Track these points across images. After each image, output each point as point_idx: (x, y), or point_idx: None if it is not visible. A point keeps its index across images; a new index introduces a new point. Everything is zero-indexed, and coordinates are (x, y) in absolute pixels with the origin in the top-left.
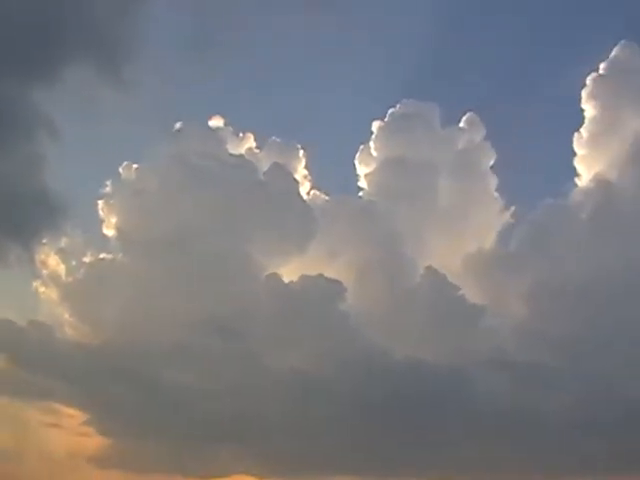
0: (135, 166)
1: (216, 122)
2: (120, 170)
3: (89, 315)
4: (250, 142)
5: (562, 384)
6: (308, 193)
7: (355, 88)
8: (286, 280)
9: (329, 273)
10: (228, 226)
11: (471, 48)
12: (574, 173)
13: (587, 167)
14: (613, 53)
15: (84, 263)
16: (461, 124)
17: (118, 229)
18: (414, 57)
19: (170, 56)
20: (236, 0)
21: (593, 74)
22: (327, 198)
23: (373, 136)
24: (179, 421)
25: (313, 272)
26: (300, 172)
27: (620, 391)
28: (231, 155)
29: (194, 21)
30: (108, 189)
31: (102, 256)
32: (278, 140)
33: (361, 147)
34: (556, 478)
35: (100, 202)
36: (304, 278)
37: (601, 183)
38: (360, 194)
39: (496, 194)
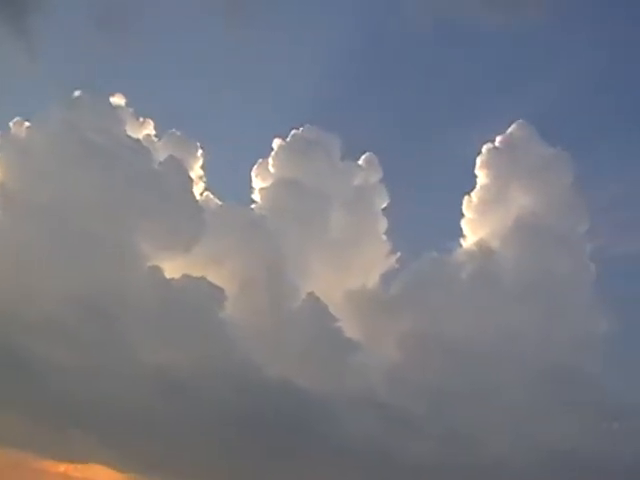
0: (27, 124)
1: (118, 100)
2: (10, 124)
3: None
4: (149, 129)
5: (423, 431)
6: (201, 194)
7: (264, 101)
8: (168, 276)
9: (212, 278)
10: (115, 208)
11: (382, 93)
12: (460, 233)
13: (472, 230)
14: (510, 129)
15: None
16: (360, 162)
17: (1, 184)
18: (328, 87)
19: (85, 22)
20: None
21: (489, 144)
22: (220, 203)
23: (273, 153)
24: (39, 397)
25: (196, 273)
26: (196, 171)
27: (475, 443)
28: (128, 137)
29: None
30: None
31: None
32: (178, 133)
33: (260, 161)
34: None
35: None
36: (186, 278)
37: (483, 248)
38: (252, 206)
39: (384, 237)
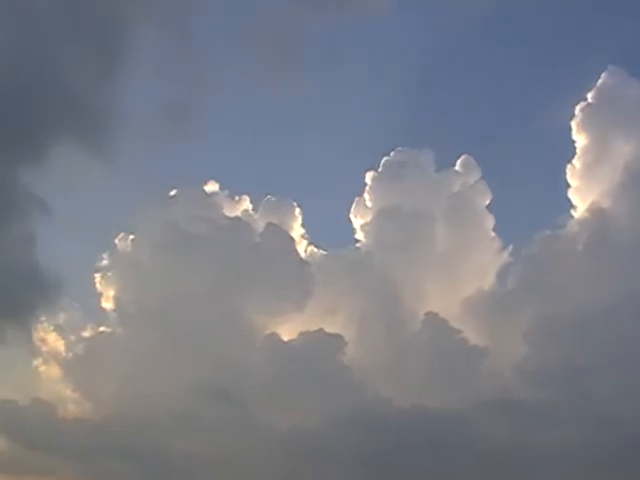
0: (131, 237)
1: (211, 187)
2: (116, 241)
3: (91, 390)
4: (246, 204)
5: (563, 421)
6: (305, 250)
7: (346, 140)
8: (285, 339)
9: (329, 328)
10: (225, 290)
11: (460, 90)
12: (569, 205)
13: (581, 198)
14: (600, 80)
15: (83, 338)
16: (456, 167)
17: (116, 301)
18: (404, 104)
19: (152, 123)
20: (212, 65)
21: (582, 103)
22: (324, 253)
23: (367, 187)
24: None
25: (313, 328)
26: (296, 230)
27: (622, 427)
28: (227, 218)
29: (174, 88)
30: (105, 262)
31: (101, 329)
32: (273, 199)
33: (356, 199)
34: None
35: (97, 275)
36: (304, 335)
37: (596, 213)
38: (357, 246)
39: (493, 234)
